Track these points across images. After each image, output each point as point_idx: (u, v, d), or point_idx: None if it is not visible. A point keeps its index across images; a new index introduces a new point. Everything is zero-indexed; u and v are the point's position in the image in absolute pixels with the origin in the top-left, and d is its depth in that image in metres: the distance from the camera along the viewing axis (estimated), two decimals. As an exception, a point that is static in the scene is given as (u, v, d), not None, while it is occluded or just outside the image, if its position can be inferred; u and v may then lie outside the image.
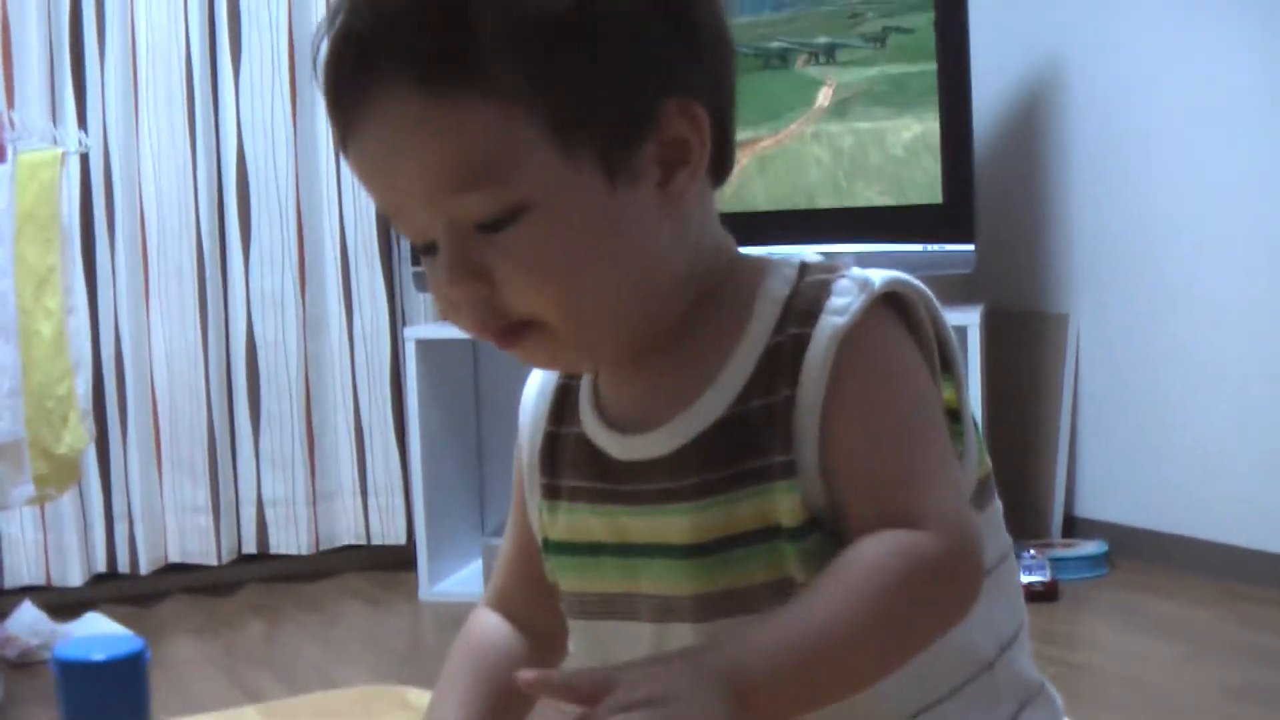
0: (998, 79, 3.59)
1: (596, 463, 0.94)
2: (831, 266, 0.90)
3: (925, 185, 3.14)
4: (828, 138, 3.26)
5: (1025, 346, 3.60)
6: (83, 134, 3.30)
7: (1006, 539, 0.97)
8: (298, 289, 3.61)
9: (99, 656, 1.22)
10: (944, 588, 0.84)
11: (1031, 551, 3.15)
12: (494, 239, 0.84)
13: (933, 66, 3.15)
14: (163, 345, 3.52)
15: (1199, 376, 3.21)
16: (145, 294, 3.51)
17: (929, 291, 0.91)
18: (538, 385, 1.02)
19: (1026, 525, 3.43)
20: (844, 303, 0.86)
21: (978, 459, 0.94)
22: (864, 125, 3.23)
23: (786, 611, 0.81)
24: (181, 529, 3.55)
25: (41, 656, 2.88)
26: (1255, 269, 3.08)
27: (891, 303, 0.89)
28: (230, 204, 3.57)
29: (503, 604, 1.07)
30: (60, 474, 2.90)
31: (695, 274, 0.91)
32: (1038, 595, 3.01)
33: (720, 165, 0.92)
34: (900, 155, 3.18)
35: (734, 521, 0.87)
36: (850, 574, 0.81)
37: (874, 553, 0.82)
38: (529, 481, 1.01)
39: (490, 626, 1.06)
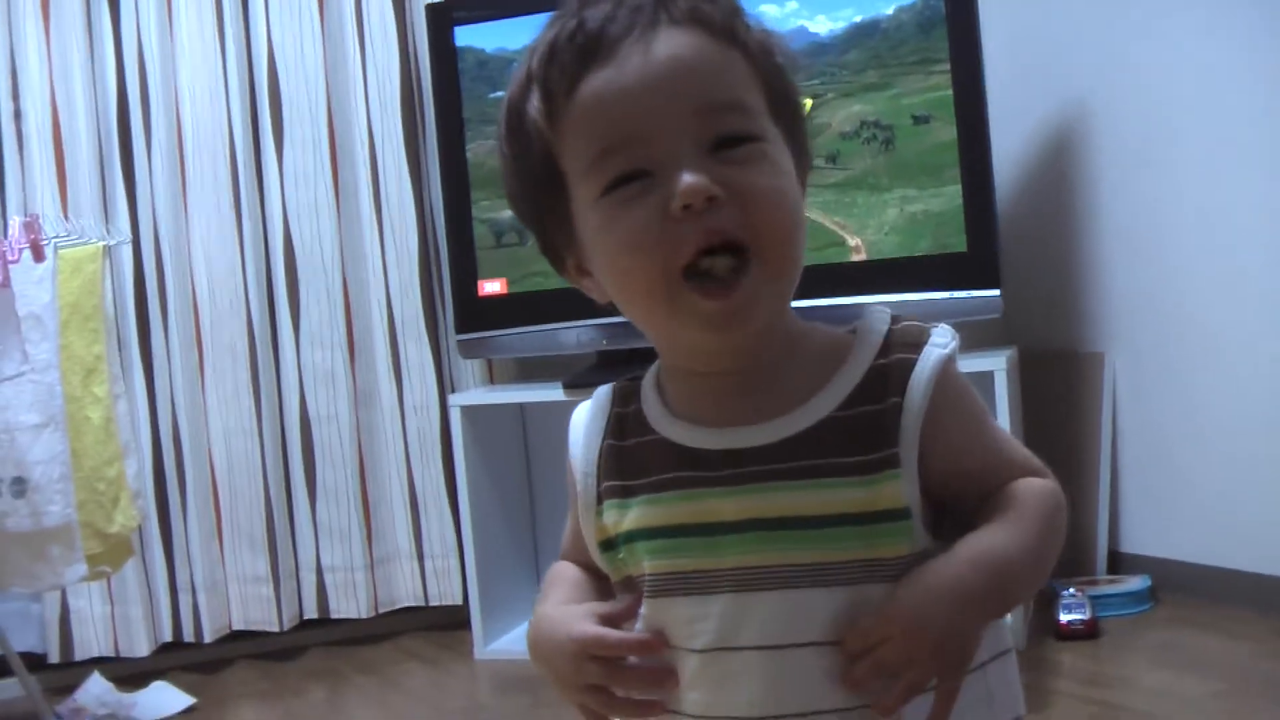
0: (1022, 124, 3.62)
1: (684, 457, 1.09)
2: (918, 319, 1.12)
3: (951, 233, 3.17)
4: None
5: (1062, 386, 3.60)
6: (125, 229, 3.45)
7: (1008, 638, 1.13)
8: (348, 363, 3.71)
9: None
10: (1065, 509, 1.10)
11: (1071, 590, 3.15)
12: (730, 158, 1.01)
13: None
14: (219, 423, 3.64)
15: (1237, 408, 3.20)
16: (200, 374, 3.64)
17: None
18: (588, 413, 1.19)
19: (1071, 563, 3.43)
20: (943, 341, 1.08)
21: None
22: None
23: (985, 536, 1.04)
24: (244, 598, 3.65)
25: (109, 727, 3.01)
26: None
27: None
28: (279, 285, 3.69)
29: (572, 558, 1.24)
30: (113, 552, 3.01)
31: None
32: (1077, 634, 3.03)
33: None
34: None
35: (836, 502, 1.03)
36: (1024, 508, 1.06)
37: (1030, 492, 1.07)
38: (583, 489, 1.16)
39: (570, 566, 1.24)
